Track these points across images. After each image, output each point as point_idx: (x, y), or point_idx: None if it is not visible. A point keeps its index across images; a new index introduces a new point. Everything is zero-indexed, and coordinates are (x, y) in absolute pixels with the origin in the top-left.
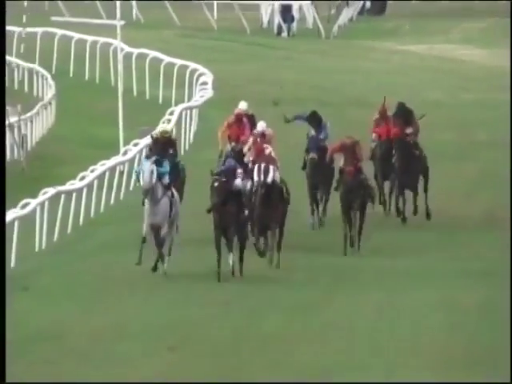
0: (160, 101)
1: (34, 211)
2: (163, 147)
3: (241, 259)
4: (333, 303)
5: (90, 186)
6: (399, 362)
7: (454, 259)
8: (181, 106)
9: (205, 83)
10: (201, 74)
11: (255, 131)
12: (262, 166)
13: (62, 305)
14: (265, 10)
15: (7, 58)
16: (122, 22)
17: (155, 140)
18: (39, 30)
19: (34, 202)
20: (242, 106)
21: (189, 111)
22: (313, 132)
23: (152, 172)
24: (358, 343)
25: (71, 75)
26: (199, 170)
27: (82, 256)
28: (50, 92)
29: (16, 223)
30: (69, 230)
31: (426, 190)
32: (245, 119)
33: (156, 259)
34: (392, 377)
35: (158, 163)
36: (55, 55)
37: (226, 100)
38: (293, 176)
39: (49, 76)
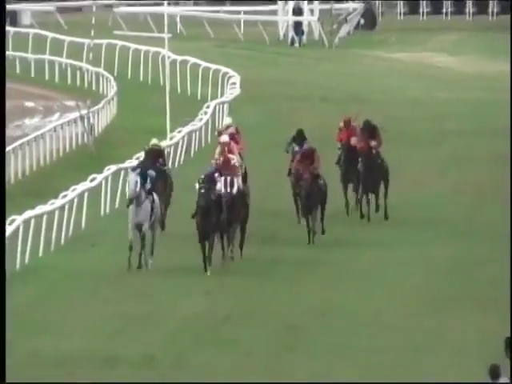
0: (199, 97)
1: (100, 184)
2: (154, 157)
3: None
4: (334, 258)
5: None
6: (385, 303)
7: (427, 222)
8: (215, 101)
9: (234, 83)
10: (230, 76)
11: (221, 141)
12: (228, 178)
13: (122, 255)
14: (281, 25)
15: (79, 63)
16: (169, 35)
17: (148, 151)
18: (104, 41)
19: (100, 177)
20: (227, 121)
21: (221, 105)
22: (296, 148)
23: (136, 182)
24: (353, 290)
25: (129, 77)
26: None
27: None
28: (112, 90)
29: (86, 194)
30: None
31: (385, 195)
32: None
33: (139, 258)
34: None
35: (143, 174)
36: (116, 61)
37: (251, 96)
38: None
39: (111, 78)
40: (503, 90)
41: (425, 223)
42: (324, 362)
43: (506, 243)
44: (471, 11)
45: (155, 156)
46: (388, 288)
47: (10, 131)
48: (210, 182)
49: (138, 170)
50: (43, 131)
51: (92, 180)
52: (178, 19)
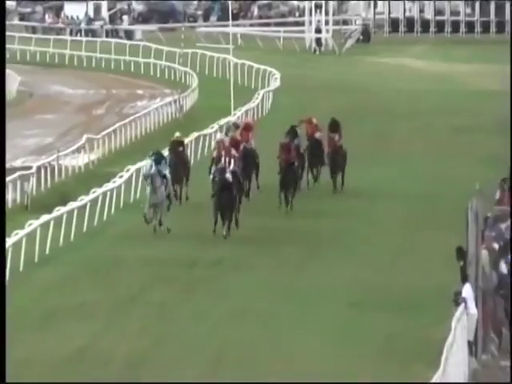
0: (252, 87)
1: (187, 145)
2: (176, 145)
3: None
4: (334, 212)
5: (215, 130)
6: (372, 228)
7: (404, 169)
8: (263, 90)
9: (276, 78)
10: (273, 74)
11: (218, 139)
12: (227, 159)
13: (202, 191)
14: (307, 40)
15: (173, 65)
16: (233, 46)
17: (172, 141)
18: (190, 50)
19: (186, 140)
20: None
21: (268, 93)
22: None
23: (151, 166)
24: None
25: (206, 74)
26: (272, 129)
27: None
28: (195, 83)
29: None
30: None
31: (342, 176)
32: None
33: (154, 225)
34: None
35: (158, 161)
36: (198, 64)
37: (287, 87)
38: None
39: (194, 75)
40: (457, 82)
41: (403, 170)
42: (334, 261)
43: (460, 183)
44: (433, 30)
45: (177, 145)
46: (372, 216)
47: (127, 110)
48: (221, 173)
49: (154, 157)
50: (149, 110)
51: None
52: (239, 36)
